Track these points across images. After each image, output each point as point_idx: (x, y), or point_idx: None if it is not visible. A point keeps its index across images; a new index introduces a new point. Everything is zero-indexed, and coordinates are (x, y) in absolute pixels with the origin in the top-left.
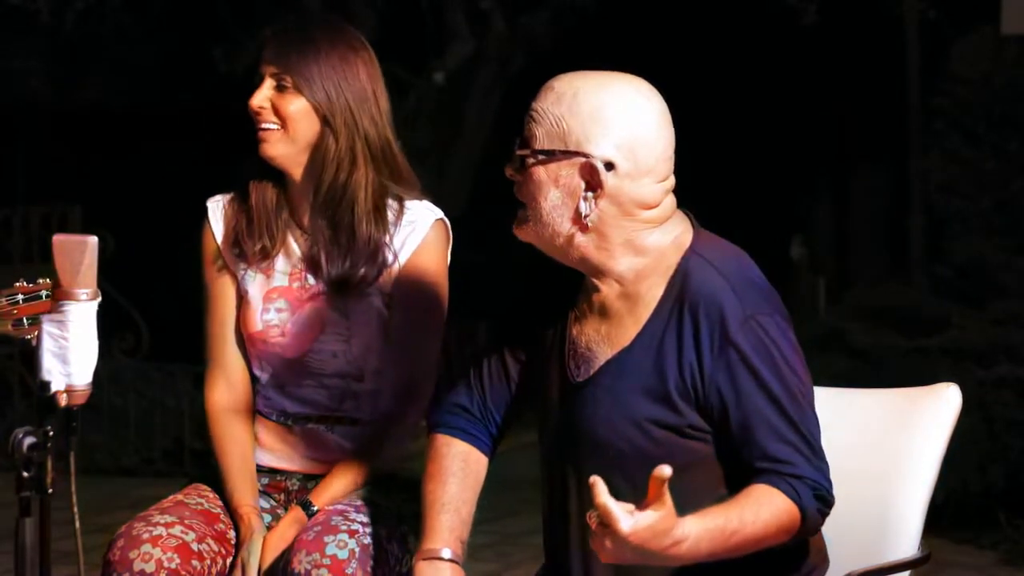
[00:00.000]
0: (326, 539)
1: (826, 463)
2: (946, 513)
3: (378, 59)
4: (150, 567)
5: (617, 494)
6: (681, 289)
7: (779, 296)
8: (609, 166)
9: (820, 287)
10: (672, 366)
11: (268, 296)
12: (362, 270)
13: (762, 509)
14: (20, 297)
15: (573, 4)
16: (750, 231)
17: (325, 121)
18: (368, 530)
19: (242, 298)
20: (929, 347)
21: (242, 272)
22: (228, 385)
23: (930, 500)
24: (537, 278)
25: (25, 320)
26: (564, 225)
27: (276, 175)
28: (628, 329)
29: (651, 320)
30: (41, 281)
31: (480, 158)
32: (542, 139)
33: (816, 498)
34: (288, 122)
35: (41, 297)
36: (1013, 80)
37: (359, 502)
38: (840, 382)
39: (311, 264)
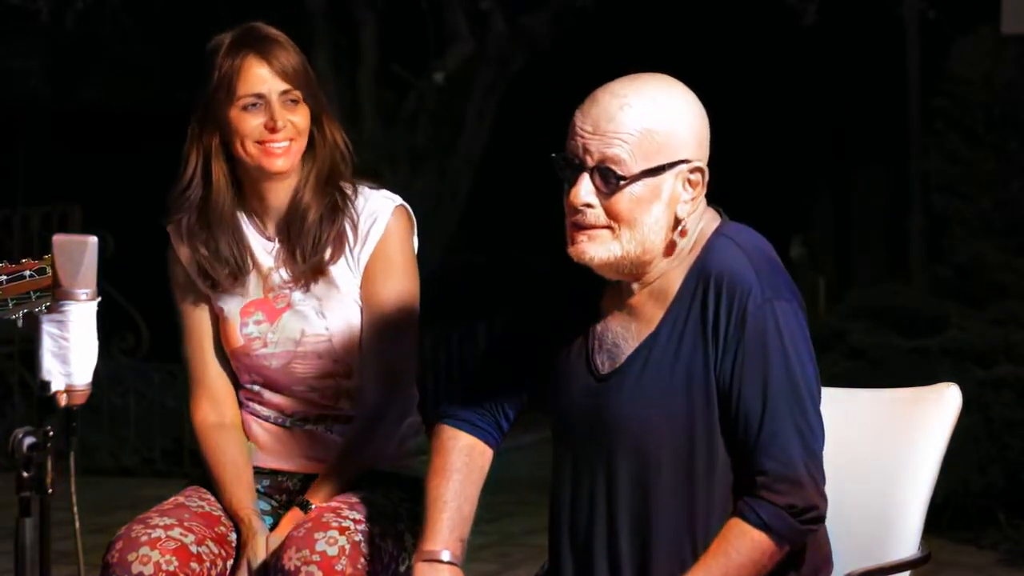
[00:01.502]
0: (316, 536)
1: (819, 464)
2: (946, 513)
3: (378, 59)
4: (148, 570)
5: (646, 484)
6: (705, 267)
7: (795, 283)
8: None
9: (820, 287)
10: (698, 346)
11: (245, 311)
12: (328, 251)
13: (732, 556)
14: (3, 277)
15: (573, 4)
16: None
17: (317, 126)
18: (360, 527)
19: (218, 316)
20: (929, 347)
21: (216, 292)
22: (212, 403)
23: (930, 500)
24: (552, 274)
25: (9, 301)
26: (660, 235)
27: (228, 193)
28: (654, 316)
29: (675, 302)
30: (25, 261)
31: (480, 158)
32: (642, 158)
33: (795, 514)
34: (301, 135)
35: (24, 277)
36: (1013, 80)
37: (355, 499)
38: (840, 382)
39: (282, 264)
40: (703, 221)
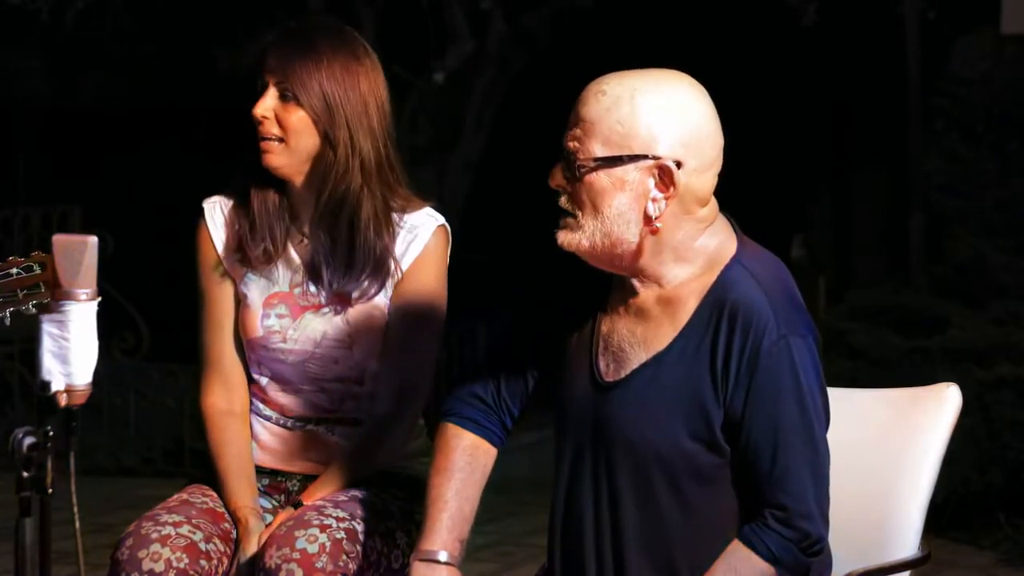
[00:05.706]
0: (296, 533)
1: (827, 495)
2: (946, 513)
3: (378, 59)
4: (159, 567)
5: (639, 495)
6: (721, 297)
7: (811, 315)
8: (678, 165)
9: (820, 287)
10: (706, 374)
11: (268, 301)
12: (364, 283)
13: None
14: None
15: (573, 4)
16: (750, 231)
17: (324, 134)
18: (344, 525)
19: (240, 302)
20: (929, 347)
21: (242, 276)
22: (224, 388)
23: (930, 500)
24: (558, 269)
25: None
26: (631, 230)
27: (276, 178)
28: (665, 334)
29: (689, 326)
30: (11, 259)
31: (480, 158)
32: (601, 146)
33: (804, 547)
34: (290, 134)
35: (11, 275)
36: (1013, 80)
37: (343, 497)
38: (840, 382)
39: (311, 274)
40: (717, 236)
